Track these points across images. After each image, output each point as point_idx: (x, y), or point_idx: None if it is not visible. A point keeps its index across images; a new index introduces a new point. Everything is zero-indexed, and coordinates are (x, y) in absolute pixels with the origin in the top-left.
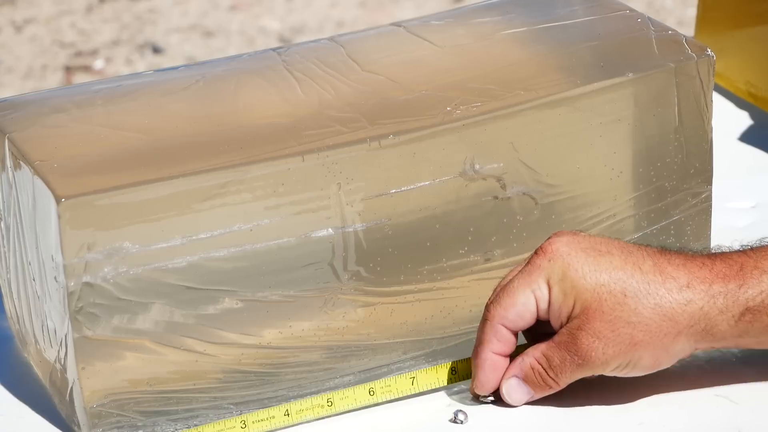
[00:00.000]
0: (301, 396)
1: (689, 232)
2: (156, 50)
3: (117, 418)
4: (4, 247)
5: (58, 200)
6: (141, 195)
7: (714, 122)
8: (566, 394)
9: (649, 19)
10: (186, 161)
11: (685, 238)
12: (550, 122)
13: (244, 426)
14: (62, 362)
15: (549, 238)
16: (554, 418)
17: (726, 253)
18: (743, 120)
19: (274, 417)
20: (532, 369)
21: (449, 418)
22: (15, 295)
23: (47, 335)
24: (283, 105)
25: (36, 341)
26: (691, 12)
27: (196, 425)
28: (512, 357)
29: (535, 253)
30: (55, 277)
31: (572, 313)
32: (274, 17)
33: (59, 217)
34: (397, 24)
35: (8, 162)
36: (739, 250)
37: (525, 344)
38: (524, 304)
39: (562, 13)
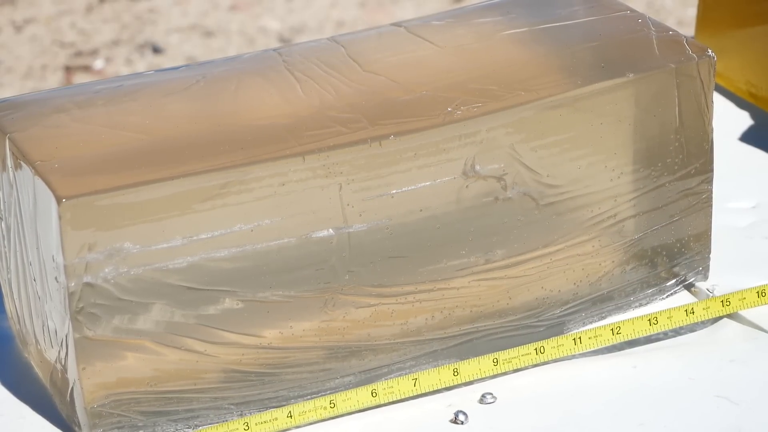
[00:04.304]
0: (302, 396)
1: (689, 232)
2: (156, 50)
3: (118, 419)
4: (4, 247)
5: (58, 200)
6: (142, 195)
7: (714, 122)
8: (566, 393)
9: (650, 19)
10: (187, 161)
11: (685, 238)
12: (550, 123)
13: (247, 428)
14: (63, 362)
15: None
16: (554, 418)
17: None
18: (743, 120)
19: (277, 419)
20: None
21: (450, 419)
22: (15, 296)
23: (48, 335)
24: (283, 105)
25: (36, 341)
26: (691, 12)
27: (196, 425)
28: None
29: None
30: (55, 278)
31: None
32: (274, 17)
33: (60, 217)
34: (398, 24)
35: (9, 162)
36: None
37: None
38: None
39: (563, 13)
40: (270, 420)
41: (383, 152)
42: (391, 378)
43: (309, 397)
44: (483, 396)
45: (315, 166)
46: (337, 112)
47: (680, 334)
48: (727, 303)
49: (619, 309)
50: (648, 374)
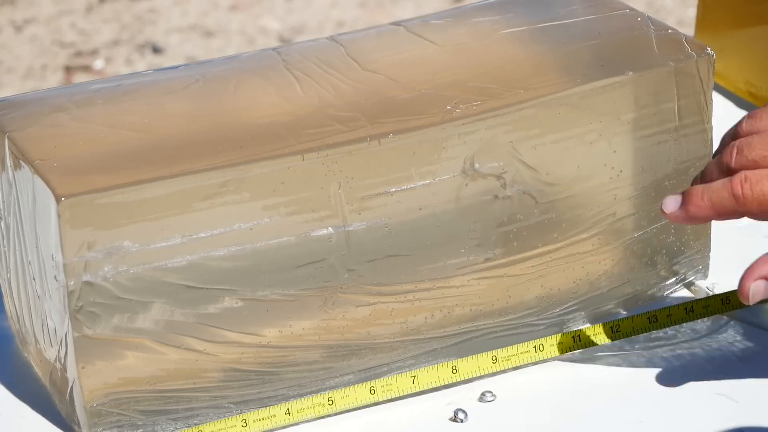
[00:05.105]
0: (302, 395)
1: (689, 230)
2: (156, 50)
3: (117, 417)
4: (4, 246)
5: (57, 199)
6: (141, 194)
7: (714, 122)
8: (566, 393)
9: (649, 18)
10: (186, 160)
11: (685, 236)
12: (550, 121)
13: (245, 425)
14: (62, 361)
15: None
16: (554, 418)
17: None
18: None
19: (274, 416)
20: None
21: (449, 417)
22: (15, 295)
23: (47, 334)
24: (282, 104)
25: (36, 340)
26: (691, 12)
27: (196, 424)
28: None
29: None
30: (55, 276)
31: None
32: (274, 17)
33: (59, 216)
34: (397, 23)
35: (8, 161)
36: None
37: None
38: None
39: (562, 12)
40: (268, 417)
41: (382, 151)
42: (390, 376)
43: (309, 395)
44: (483, 394)
45: (314, 165)
46: (337, 111)
47: (680, 333)
48: (727, 301)
49: (619, 307)
50: (648, 373)
